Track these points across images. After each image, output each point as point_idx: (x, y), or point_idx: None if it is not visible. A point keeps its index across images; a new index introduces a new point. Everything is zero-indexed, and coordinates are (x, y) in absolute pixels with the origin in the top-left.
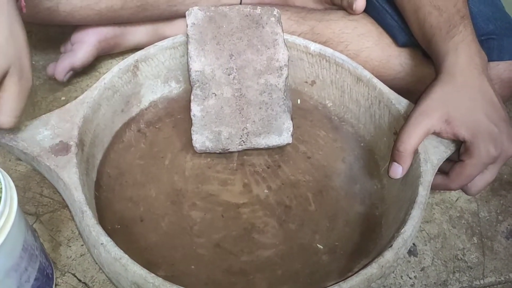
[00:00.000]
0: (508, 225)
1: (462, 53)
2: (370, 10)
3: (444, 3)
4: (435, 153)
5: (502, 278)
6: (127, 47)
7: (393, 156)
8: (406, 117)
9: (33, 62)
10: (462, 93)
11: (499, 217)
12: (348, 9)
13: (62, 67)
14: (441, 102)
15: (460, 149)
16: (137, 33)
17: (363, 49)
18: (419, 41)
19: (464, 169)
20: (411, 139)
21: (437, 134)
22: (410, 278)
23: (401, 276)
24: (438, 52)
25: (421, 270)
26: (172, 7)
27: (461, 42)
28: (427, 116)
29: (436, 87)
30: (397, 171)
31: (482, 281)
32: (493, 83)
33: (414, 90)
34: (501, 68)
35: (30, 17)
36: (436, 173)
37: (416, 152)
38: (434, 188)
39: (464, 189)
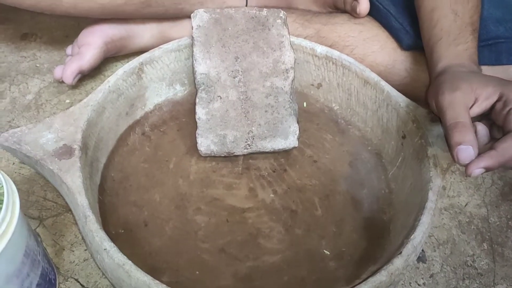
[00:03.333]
0: None
1: (464, 58)
2: (374, 13)
3: (463, 10)
4: (445, 157)
5: None
6: (133, 50)
7: (452, 138)
8: (414, 120)
9: (37, 65)
10: (472, 73)
11: (510, 222)
12: (352, 13)
13: (70, 70)
14: (458, 80)
15: (498, 117)
16: (143, 36)
17: (369, 54)
18: (424, 41)
19: None
20: (460, 110)
21: (472, 105)
22: (419, 285)
23: (410, 283)
24: (439, 55)
25: (430, 277)
26: (177, 5)
27: (465, 51)
28: (458, 90)
29: (442, 76)
30: (467, 151)
31: None
32: None
33: (420, 96)
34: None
35: (32, 5)
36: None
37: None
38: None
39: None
